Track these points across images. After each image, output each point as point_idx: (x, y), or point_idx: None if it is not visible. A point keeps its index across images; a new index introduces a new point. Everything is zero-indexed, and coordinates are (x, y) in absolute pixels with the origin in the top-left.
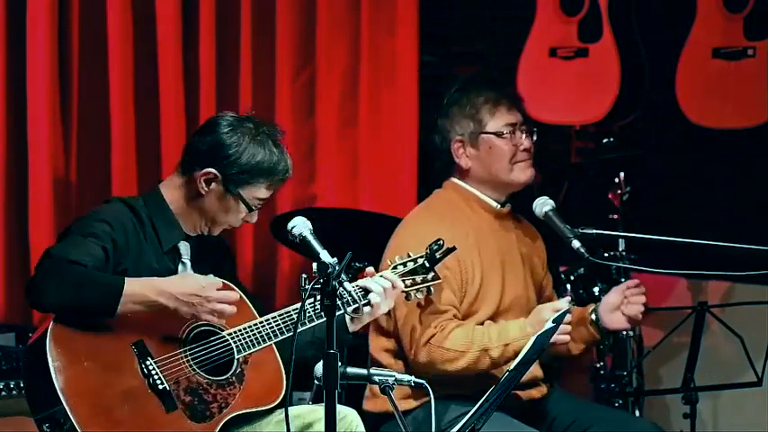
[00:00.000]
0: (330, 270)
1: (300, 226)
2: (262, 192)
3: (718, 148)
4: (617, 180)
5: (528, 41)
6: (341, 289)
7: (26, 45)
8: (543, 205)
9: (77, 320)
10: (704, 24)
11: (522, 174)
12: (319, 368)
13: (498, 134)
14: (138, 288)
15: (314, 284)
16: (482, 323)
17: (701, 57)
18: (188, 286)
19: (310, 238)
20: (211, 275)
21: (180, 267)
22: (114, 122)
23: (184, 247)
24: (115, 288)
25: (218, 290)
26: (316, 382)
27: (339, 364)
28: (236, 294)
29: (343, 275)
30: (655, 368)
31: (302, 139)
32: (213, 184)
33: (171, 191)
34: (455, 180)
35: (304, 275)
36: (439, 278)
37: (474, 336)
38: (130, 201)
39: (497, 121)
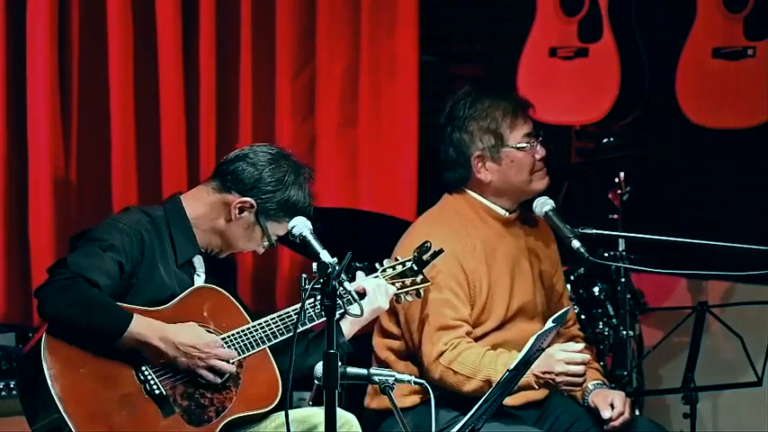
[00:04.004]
0: (330, 270)
1: (300, 226)
2: (283, 229)
3: (718, 148)
4: (617, 180)
5: (528, 41)
6: (341, 289)
7: (26, 45)
8: (543, 205)
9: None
10: (704, 24)
11: (540, 183)
12: (319, 368)
13: (520, 148)
14: (142, 329)
15: (314, 284)
16: (491, 345)
17: (701, 57)
18: (190, 338)
19: (310, 238)
20: (214, 335)
21: (196, 279)
22: (114, 123)
23: (199, 261)
24: (121, 323)
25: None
26: (316, 382)
27: (339, 364)
28: (234, 353)
29: (343, 275)
30: (655, 368)
31: (302, 138)
32: (245, 212)
33: (195, 205)
34: (467, 190)
35: (304, 275)
36: (428, 281)
37: (482, 363)
38: (150, 210)
39: (517, 133)
